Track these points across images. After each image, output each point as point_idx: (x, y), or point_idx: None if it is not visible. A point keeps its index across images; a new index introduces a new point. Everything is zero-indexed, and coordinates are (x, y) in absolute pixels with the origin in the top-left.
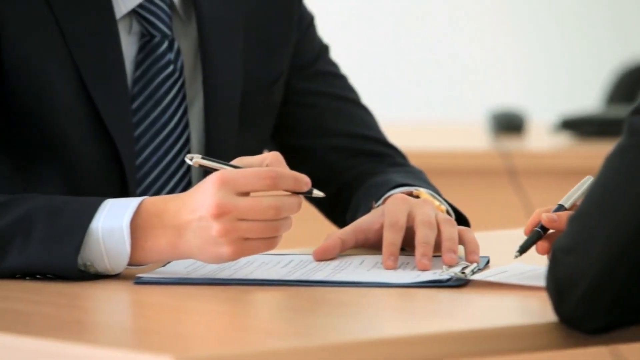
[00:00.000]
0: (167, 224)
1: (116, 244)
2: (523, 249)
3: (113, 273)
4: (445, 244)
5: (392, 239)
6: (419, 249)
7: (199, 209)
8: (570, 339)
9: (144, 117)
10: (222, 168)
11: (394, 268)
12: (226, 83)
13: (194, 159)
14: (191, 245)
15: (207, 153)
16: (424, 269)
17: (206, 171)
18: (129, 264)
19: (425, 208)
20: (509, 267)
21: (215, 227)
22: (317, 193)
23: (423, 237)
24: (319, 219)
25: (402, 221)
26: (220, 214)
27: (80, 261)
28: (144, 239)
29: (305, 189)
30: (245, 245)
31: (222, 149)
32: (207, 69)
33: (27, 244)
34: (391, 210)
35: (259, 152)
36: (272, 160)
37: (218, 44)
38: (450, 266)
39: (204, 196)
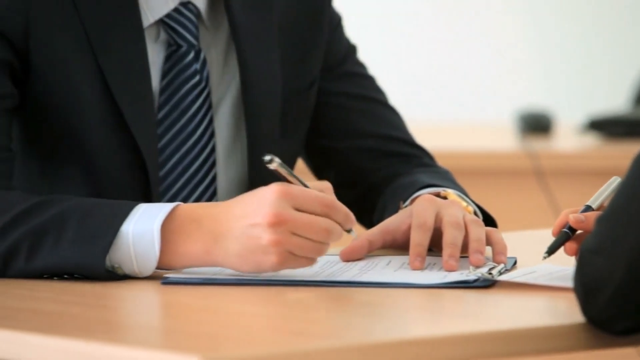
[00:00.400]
0: (205, 230)
1: (146, 246)
2: (551, 250)
3: (141, 276)
4: (472, 245)
5: (419, 239)
6: (446, 250)
7: (251, 215)
8: (598, 340)
9: (169, 126)
10: (294, 179)
11: (421, 269)
12: (265, 90)
13: (274, 163)
14: (228, 252)
15: (250, 162)
16: (451, 270)
17: (232, 180)
18: (158, 268)
19: (453, 209)
20: (536, 268)
21: (267, 236)
22: (354, 234)
23: (450, 238)
24: None
25: (430, 222)
26: (276, 223)
27: (108, 262)
28: (176, 243)
29: (350, 227)
30: (290, 259)
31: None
32: (246, 78)
33: (58, 243)
34: (419, 211)
35: (296, 158)
36: (322, 188)
37: (254, 52)
38: (478, 267)
39: (260, 204)
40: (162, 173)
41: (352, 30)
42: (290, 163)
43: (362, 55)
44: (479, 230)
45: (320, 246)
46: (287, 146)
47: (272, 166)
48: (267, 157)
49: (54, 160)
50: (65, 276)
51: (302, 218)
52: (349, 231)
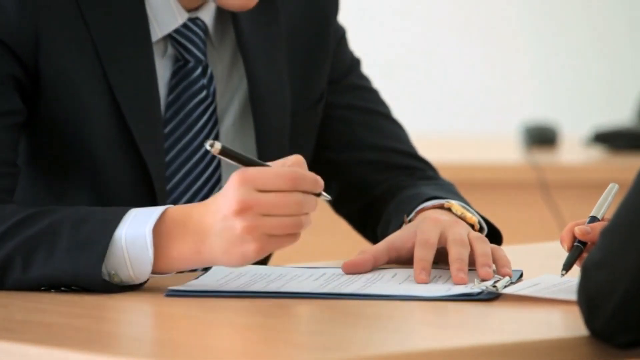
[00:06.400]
0: (191, 230)
1: (140, 251)
2: (568, 266)
3: (137, 282)
4: (479, 260)
5: (422, 255)
6: (454, 265)
7: (220, 209)
8: (601, 353)
9: (175, 141)
10: (241, 160)
11: (426, 282)
12: (275, 108)
13: (214, 147)
14: (215, 250)
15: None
16: (461, 283)
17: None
18: (153, 272)
19: (457, 228)
20: (540, 279)
21: (239, 225)
22: (325, 196)
23: (457, 255)
24: (351, 232)
25: (434, 239)
26: (242, 209)
27: (104, 270)
28: (168, 246)
29: (319, 190)
30: (270, 241)
31: None
32: (255, 93)
33: (52, 253)
34: (423, 229)
35: None
36: (293, 162)
37: (262, 67)
38: (485, 280)
39: (225, 196)
40: (167, 188)
41: (356, 43)
42: None
43: (365, 67)
44: (483, 245)
45: (297, 220)
46: None
47: (215, 150)
48: (207, 143)
49: (61, 175)
50: (62, 288)
51: (267, 198)
52: (318, 194)
